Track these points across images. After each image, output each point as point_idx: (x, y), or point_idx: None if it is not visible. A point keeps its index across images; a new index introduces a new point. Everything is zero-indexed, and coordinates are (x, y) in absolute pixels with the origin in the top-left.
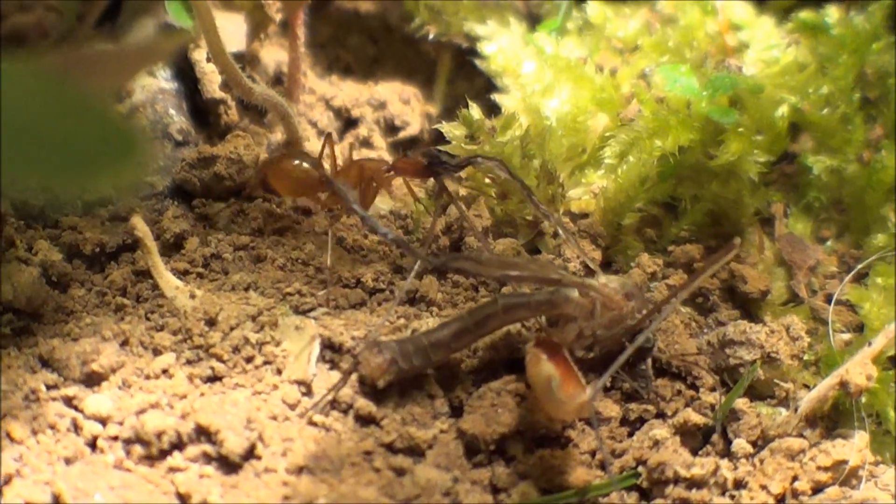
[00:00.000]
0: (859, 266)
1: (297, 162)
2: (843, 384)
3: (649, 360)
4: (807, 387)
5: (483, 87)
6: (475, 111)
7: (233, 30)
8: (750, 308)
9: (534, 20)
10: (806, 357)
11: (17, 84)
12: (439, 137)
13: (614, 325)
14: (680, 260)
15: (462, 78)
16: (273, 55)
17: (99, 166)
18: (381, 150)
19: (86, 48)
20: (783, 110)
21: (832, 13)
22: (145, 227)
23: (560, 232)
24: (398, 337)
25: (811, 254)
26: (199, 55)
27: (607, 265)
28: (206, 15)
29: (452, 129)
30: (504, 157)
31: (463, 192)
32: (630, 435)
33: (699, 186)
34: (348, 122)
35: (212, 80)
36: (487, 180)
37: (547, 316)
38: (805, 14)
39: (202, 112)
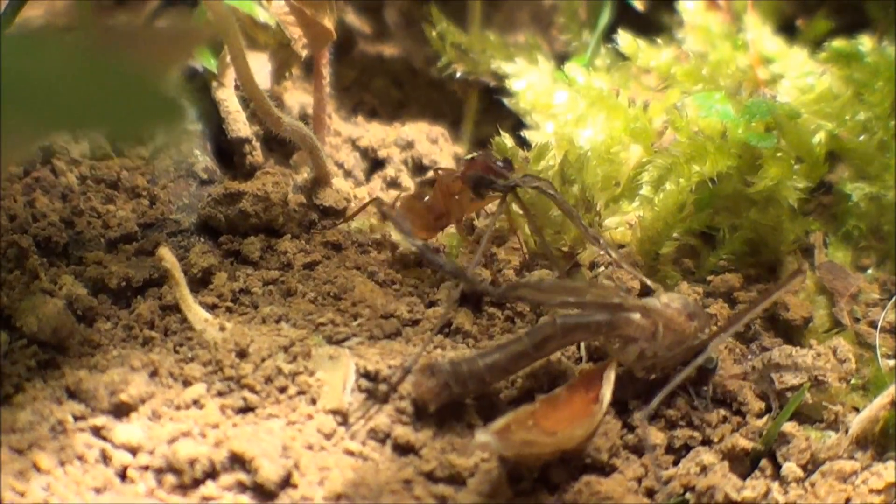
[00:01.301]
0: None
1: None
2: (894, 404)
3: (710, 384)
4: (856, 409)
5: (511, 126)
6: (508, 139)
7: (257, 69)
8: (793, 336)
9: (560, 59)
10: (853, 381)
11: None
12: None
13: (677, 346)
14: (720, 289)
15: (489, 118)
16: (297, 98)
17: (137, 122)
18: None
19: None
20: (820, 137)
21: (865, 42)
22: (173, 258)
23: (611, 254)
24: (452, 359)
25: (852, 281)
26: (224, 94)
27: (645, 294)
28: (234, 40)
29: None
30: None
31: (497, 224)
32: (676, 463)
33: (737, 215)
34: (375, 163)
35: (236, 119)
36: (521, 212)
37: (607, 338)
38: (838, 43)
39: (227, 154)
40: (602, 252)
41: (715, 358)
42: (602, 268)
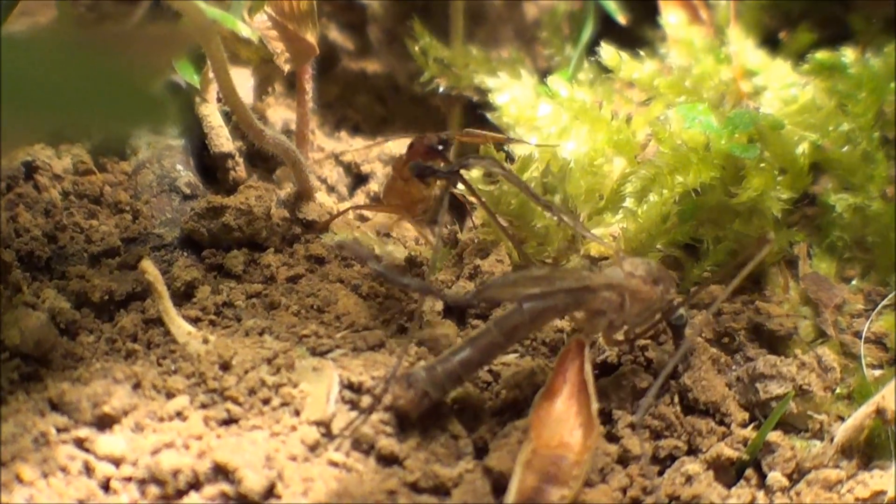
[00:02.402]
0: (888, 298)
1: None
2: (879, 412)
3: (686, 338)
4: (841, 418)
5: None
6: (492, 151)
7: (239, 85)
8: (777, 346)
9: (543, 74)
10: (838, 390)
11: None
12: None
13: (645, 311)
14: (704, 301)
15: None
16: (280, 114)
17: (127, 119)
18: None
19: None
20: (804, 148)
21: (848, 54)
22: (155, 271)
23: (567, 221)
24: (426, 364)
25: (837, 292)
26: (207, 109)
27: None
28: (216, 52)
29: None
30: (521, 197)
31: (480, 236)
32: (661, 473)
33: (721, 226)
34: (358, 179)
35: (219, 134)
36: (505, 223)
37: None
38: (821, 55)
39: (209, 169)
40: (561, 222)
41: (685, 314)
42: None
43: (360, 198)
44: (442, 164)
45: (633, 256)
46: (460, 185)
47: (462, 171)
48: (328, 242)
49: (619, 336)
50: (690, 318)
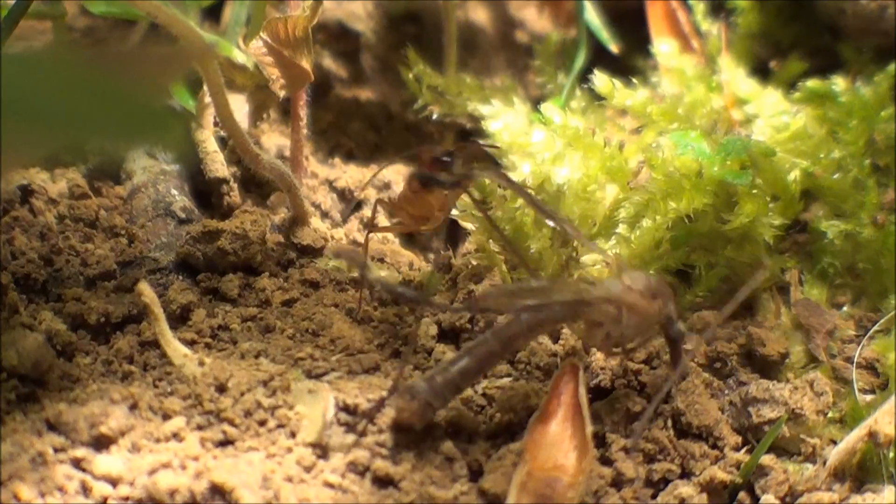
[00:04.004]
0: (878, 323)
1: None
2: (871, 435)
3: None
4: (833, 442)
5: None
6: (487, 177)
7: (234, 110)
8: (769, 372)
9: (536, 102)
10: (831, 414)
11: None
12: None
13: (642, 325)
14: (696, 326)
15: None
16: (274, 140)
17: (129, 134)
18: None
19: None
20: (795, 175)
21: (839, 82)
22: (152, 294)
23: (570, 232)
24: (425, 376)
25: (828, 318)
26: (202, 135)
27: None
28: (213, 76)
29: (464, 196)
30: (516, 222)
31: (474, 261)
32: (654, 496)
33: (713, 253)
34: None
35: (214, 159)
36: (497, 249)
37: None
38: (812, 83)
39: (204, 194)
40: (559, 228)
41: (683, 328)
42: None
43: (353, 223)
44: (446, 175)
45: (633, 270)
46: (455, 211)
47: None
48: (323, 266)
49: (617, 348)
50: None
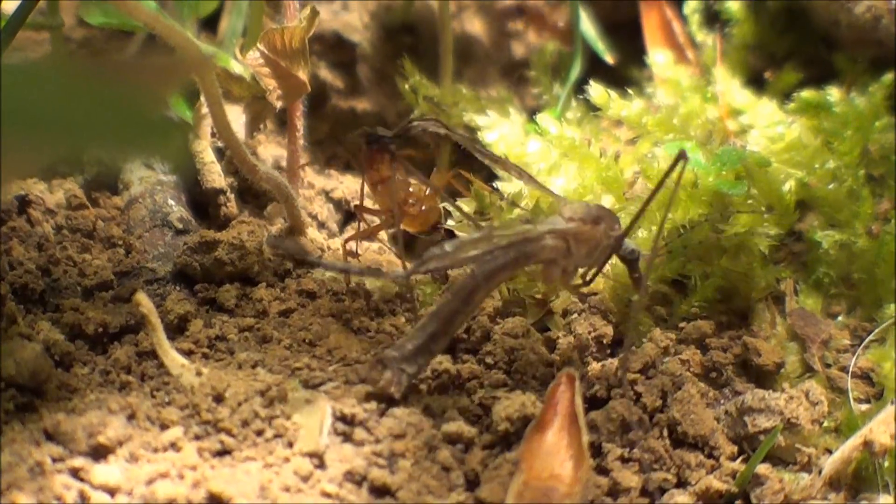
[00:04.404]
0: (873, 333)
1: None
2: (867, 444)
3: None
4: (829, 451)
5: (484, 178)
6: (481, 191)
7: (231, 121)
8: (765, 381)
9: (531, 113)
10: (826, 423)
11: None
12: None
13: (593, 251)
14: (692, 336)
15: (462, 170)
16: (271, 151)
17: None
18: (382, 241)
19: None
20: (790, 185)
21: (834, 93)
22: (150, 304)
23: (514, 173)
24: (395, 344)
25: (823, 328)
26: (199, 146)
27: (619, 343)
28: (210, 86)
29: (462, 205)
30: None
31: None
32: None
33: (708, 263)
34: (349, 215)
35: (211, 170)
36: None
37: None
38: (807, 94)
39: (201, 205)
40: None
41: (635, 247)
42: (575, 314)
43: (350, 234)
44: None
45: (572, 201)
46: (451, 222)
47: (440, 176)
48: (319, 277)
49: (577, 280)
50: (679, 352)
